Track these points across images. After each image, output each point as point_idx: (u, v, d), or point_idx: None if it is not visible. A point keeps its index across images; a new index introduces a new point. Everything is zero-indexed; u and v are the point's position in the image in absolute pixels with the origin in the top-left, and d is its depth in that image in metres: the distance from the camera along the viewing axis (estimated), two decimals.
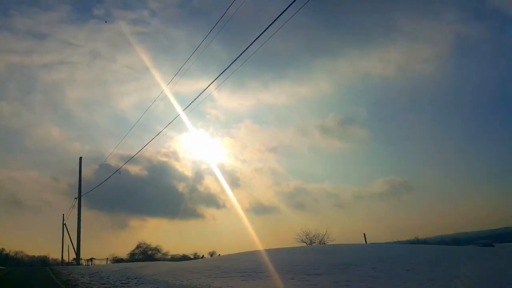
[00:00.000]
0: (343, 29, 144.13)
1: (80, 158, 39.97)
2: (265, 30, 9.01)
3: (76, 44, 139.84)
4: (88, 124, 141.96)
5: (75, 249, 38.56)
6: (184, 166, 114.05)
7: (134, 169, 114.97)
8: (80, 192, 38.47)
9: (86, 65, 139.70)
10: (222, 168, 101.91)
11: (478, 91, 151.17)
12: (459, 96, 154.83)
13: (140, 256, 63.25)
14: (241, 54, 10.65)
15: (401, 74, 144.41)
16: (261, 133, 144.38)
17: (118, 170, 28.90)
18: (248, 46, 10.21)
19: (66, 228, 50.69)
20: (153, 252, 65.64)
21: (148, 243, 66.36)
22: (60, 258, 62.84)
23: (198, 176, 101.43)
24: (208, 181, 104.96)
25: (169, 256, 67.08)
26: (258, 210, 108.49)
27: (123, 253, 67.71)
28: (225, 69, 11.78)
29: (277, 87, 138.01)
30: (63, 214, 57.45)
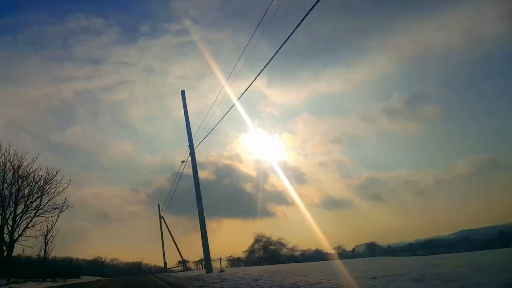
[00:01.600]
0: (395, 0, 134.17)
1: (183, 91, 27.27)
2: (307, 14, 9.22)
3: (130, 63, 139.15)
4: (154, 136, 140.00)
5: (178, 250, 40.08)
6: (248, 166, 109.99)
7: (202, 173, 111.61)
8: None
9: (143, 81, 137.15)
10: (285, 165, 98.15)
11: None
12: None
13: (261, 253, 51.81)
14: (286, 40, 11.03)
15: (467, 40, 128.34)
16: (320, 125, 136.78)
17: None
18: (293, 31, 10.42)
19: (165, 222, 48.67)
20: (276, 247, 51.30)
21: (268, 236, 51.64)
22: (153, 264, 63.72)
23: (263, 175, 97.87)
24: (273, 179, 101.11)
25: (298, 252, 53.66)
26: (330, 204, 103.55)
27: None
28: (274, 55, 12.24)
29: (330, 75, 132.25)
30: (158, 205, 52.29)
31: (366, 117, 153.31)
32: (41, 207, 30.22)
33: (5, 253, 27.49)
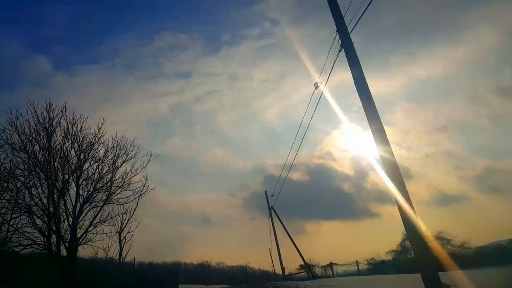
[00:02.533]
0: None
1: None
2: None
3: (215, 73, 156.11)
4: (244, 141, 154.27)
5: (298, 250, 35.16)
6: (343, 165, 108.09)
7: (295, 175, 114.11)
8: None
9: (228, 89, 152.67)
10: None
11: None
12: None
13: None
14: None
15: None
16: (421, 113, 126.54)
17: None
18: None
19: (275, 212, 42.11)
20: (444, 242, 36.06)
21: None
22: (257, 267, 59.71)
23: (361, 173, 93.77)
24: (373, 177, 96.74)
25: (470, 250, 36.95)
26: (442, 200, 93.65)
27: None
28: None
29: (427, 57, 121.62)
30: (265, 192, 45.71)
31: (475, 99, 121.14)
32: (113, 190, 21.08)
33: (65, 255, 18.46)
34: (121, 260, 20.97)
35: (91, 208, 20.29)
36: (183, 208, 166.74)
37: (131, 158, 21.94)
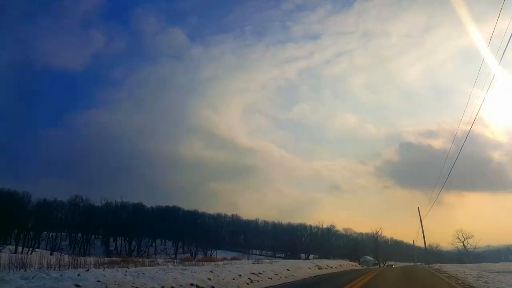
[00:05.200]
0: None
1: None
2: None
3: (348, 32, 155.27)
4: (377, 105, 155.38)
5: None
6: (495, 132, 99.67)
7: (436, 143, 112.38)
8: None
9: (363, 48, 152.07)
10: None
11: None
12: None
13: None
14: None
15: None
16: None
17: None
18: None
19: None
20: None
21: None
22: (390, 237, 55.47)
23: None
24: None
25: None
26: None
27: None
28: None
29: None
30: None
31: None
32: None
33: None
34: None
35: None
36: (312, 174, 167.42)
37: None
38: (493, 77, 13.45)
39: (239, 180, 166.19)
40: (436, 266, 26.19)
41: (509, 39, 9.86)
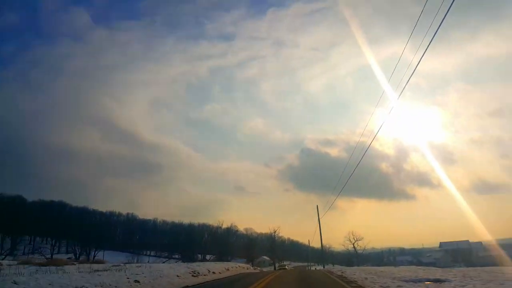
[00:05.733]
0: None
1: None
2: None
3: (260, 38, 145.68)
4: (284, 112, 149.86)
5: None
6: (384, 144, 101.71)
7: (333, 151, 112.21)
8: None
9: (273, 56, 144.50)
10: (430, 143, 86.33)
11: None
12: None
13: None
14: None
15: None
16: (476, 95, 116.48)
17: None
18: None
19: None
20: None
21: None
22: (288, 237, 61.21)
23: (402, 154, 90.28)
24: (415, 159, 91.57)
25: None
26: (482, 189, 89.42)
27: None
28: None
29: (491, 34, 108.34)
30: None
31: None
32: None
33: None
34: None
35: None
36: (218, 174, 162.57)
37: None
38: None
39: (140, 178, 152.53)
40: (337, 270, 22.06)
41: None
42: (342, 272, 18.49)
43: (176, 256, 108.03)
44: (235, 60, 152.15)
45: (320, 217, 39.35)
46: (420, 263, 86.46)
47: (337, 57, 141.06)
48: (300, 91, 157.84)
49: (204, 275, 20.27)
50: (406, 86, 11.86)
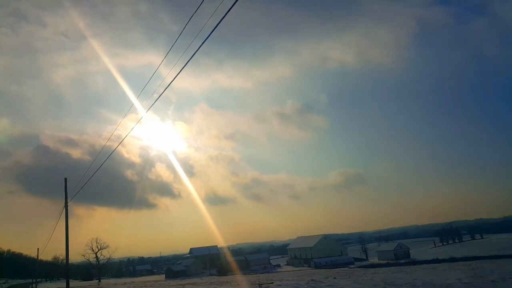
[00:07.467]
0: (303, 6, 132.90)
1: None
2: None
3: None
4: (17, 98, 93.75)
5: None
6: (131, 152, 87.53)
7: (75, 152, 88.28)
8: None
9: (10, 29, 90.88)
10: (174, 155, 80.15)
11: (439, 80, 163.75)
12: (419, 84, 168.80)
13: None
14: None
15: (360, 60, 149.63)
16: (217, 118, 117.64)
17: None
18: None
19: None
20: None
21: None
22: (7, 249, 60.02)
23: (148, 163, 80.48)
24: (159, 169, 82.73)
25: None
26: (214, 200, 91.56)
27: None
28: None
29: (233, 67, 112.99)
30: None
31: (261, 117, 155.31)
32: None
33: None
34: None
35: None
36: None
37: None
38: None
39: None
40: None
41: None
42: None
43: None
44: None
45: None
46: (171, 272, 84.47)
47: (89, 52, 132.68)
48: (43, 78, 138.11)
49: None
50: (155, 96, 11.06)
